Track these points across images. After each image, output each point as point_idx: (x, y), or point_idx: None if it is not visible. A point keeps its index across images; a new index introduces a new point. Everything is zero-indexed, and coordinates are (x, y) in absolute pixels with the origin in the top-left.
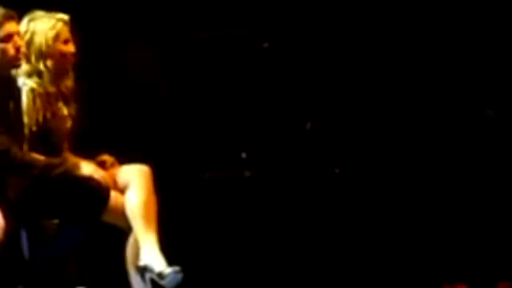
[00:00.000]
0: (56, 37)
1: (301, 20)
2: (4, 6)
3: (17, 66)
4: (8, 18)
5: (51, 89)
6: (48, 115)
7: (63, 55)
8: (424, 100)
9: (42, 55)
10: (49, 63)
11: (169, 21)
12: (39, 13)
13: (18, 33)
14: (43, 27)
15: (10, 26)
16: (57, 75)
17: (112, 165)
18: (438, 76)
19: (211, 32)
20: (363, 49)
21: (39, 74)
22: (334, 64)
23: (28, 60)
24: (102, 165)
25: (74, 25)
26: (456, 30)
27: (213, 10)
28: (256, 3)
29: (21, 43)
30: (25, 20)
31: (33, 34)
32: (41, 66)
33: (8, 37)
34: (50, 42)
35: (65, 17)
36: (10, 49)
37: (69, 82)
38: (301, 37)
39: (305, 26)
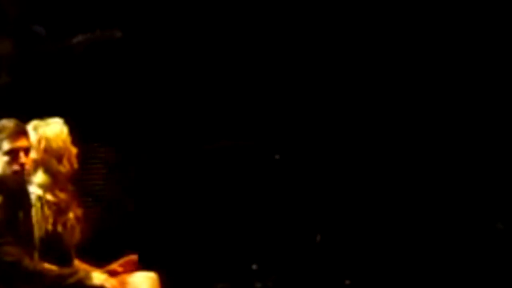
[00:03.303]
0: (67, 138)
1: (311, 135)
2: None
3: (20, 181)
4: (18, 133)
5: (62, 195)
6: (59, 227)
7: (75, 155)
8: (442, 213)
9: (61, 158)
10: (67, 164)
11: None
12: (36, 122)
13: (26, 149)
14: (54, 131)
15: (20, 142)
16: (70, 176)
17: (122, 272)
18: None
19: (224, 142)
20: (375, 162)
21: (55, 178)
22: (345, 176)
23: (46, 167)
24: (112, 273)
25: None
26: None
27: (228, 122)
28: (271, 117)
29: (25, 160)
30: (30, 131)
31: (48, 141)
32: (62, 168)
33: (13, 152)
34: (66, 144)
35: (61, 120)
36: (14, 165)
37: (70, 185)
38: (310, 150)
39: (314, 139)
